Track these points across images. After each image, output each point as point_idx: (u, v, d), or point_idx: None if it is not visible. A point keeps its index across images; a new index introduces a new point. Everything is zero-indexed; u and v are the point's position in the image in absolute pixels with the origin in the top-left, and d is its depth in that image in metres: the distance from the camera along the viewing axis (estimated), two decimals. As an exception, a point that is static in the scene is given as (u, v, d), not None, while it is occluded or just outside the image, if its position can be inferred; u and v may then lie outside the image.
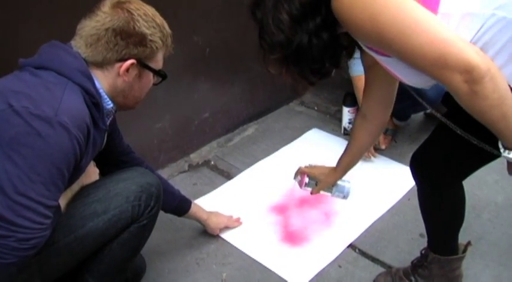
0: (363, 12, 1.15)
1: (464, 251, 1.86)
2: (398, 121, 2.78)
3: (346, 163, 1.92)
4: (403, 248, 2.18)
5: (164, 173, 2.62)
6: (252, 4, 1.32)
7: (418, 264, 1.93)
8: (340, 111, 3.05)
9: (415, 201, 2.41)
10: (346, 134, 2.90)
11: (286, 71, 1.36)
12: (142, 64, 1.44)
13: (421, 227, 2.26)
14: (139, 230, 1.58)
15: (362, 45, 1.34)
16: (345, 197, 2.06)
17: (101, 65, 1.40)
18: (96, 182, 1.61)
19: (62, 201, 1.45)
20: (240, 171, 2.67)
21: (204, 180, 2.62)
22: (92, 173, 1.62)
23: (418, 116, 3.01)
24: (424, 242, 2.18)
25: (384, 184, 2.52)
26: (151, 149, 2.56)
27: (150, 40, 1.41)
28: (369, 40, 1.22)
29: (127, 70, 1.41)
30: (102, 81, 1.41)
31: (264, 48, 1.33)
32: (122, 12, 1.37)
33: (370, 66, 1.60)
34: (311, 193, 2.04)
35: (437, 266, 1.87)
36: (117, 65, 1.40)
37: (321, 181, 2.00)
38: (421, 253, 1.93)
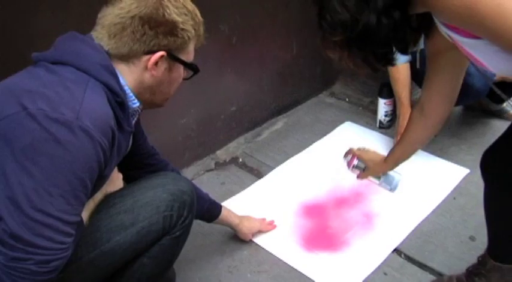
0: None
1: None
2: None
3: (396, 156, 1.78)
4: (452, 252, 2.00)
5: (190, 171, 2.47)
6: None
7: (474, 272, 1.76)
8: (374, 103, 2.86)
9: (462, 200, 2.26)
10: (382, 127, 2.71)
11: (348, 56, 1.21)
12: (173, 56, 1.27)
13: (470, 229, 2.10)
14: (171, 242, 1.42)
15: (440, 26, 1.16)
16: (391, 189, 1.93)
17: (127, 58, 1.23)
18: (121, 190, 1.45)
19: (85, 214, 1.28)
20: (270, 168, 2.49)
21: (232, 179, 2.45)
22: (116, 179, 1.46)
23: (457, 109, 2.80)
24: (474, 246, 2.03)
25: (427, 182, 2.32)
26: (175, 147, 2.39)
27: (182, 29, 1.25)
28: (456, 16, 1.03)
29: (156, 63, 1.24)
30: (127, 76, 1.25)
31: (324, 29, 1.17)
32: None
33: (435, 55, 1.43)
34: (357, 177, 1.94)
35: (498, 274, 1.69)
36: (145, 57, 1.23)
37: (369, 168, 1.89)
38: (478, 260, 1.76)
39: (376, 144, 2.59)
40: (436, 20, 1.21)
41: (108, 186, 1.40)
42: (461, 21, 1.04)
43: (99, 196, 1.38)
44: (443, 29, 1.17)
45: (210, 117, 2.50)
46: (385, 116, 2.67)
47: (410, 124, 1.67)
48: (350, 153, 1.95)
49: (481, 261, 1.74)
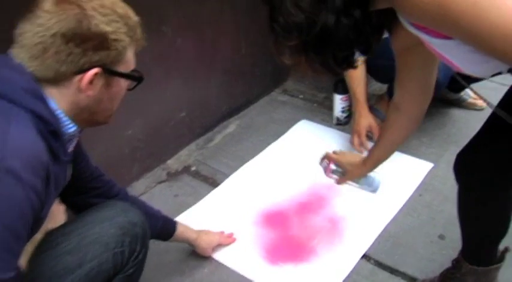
0: None
1: (502, 258, 1.62)
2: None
3: (376, 158, 1.69)
4: (423, 254, 1.92)
5: (140, 184, 2.30)
6: None
7: (449, 276, 1.69)
8: (329, 99, 2.76)
9: (428, 197, 2.19)
10: (339, 124, 2.61)
11: (306, 61, 1.08)
12: (109, 71, 1.11)
13: (439, 227, 2.03)
14: (124, 281, 1.26)
15: (406, 25, 1.04)
16: (373, 190, 1.86)
17: (55, 81, 1.06)
18: (65, 226, 1.28)
19: (23, 259, 1.11)
20: (226, 176, 2.35)
21: (186, 190, 2.29)
22: (57, 213, 1.28)
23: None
24: (445, 245, 1.95)
25: (391, 180, 2.22)
26: (123, 160, 2.22)
27: (114, 39, 1.08)
28: (425, 15, 0.91)
29: (90, 82, 1.07)
30: (59, 100, 1.07)
31: (277, 33, 1.04)
32: (70, 9, 1.03)
33: (403, 51, 1.33)
34: (337, 182, 1.86)
35: (473, 277, 1.63)
36: (76, 78, 1.07)
37: (348, 171, 1.80)
38: (452, 263, 1.68)
39: (335, 141, 2.50)
40: (401, 18, 1.09)
41: (48, 223, 1.23)
42: (432, 21, 0.92)
43: (38, 237, 1.20)
44: (409, 27, 1.06)
45: (158, 126, 2.33)
46: (342, 112, 2.57)
47: (387, 124, 1.58)
48: (326, 158, 1.85)
49: (456, 264, 1.67)
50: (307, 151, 2.44)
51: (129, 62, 1.16)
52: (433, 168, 2.29)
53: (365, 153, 2.30)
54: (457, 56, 1.04)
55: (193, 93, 2.45)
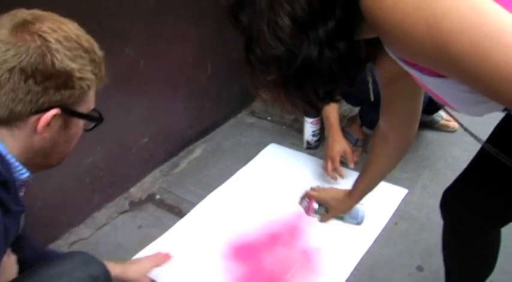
0: (416, 14, 0.75)
1: None
2: (369, 130, 2.43)
3: (362, 189, 1.63)
4: (401, 287, 1.84)
5: (101, 215, 2.16)
6: (233, 4, 0.90)
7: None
8: (298, 121, 2.68)
9: (404, 225, 2.11)
10: (310, 148, 2.52)
11: (285, 96, 0.96)
12: (69, 111, 0.99)
13: (417, 258, 1.94)
14: None
15: (394, 57, 0.94)
16: (359, 223, 1.81)
17: (8, 121, 0.93)
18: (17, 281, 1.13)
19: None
20: (192, 205, 2.22)
21: (150, 221, 2.15)
22: (8, 266, 1.13)
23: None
24: (423, 277, 1.88)
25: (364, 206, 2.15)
26: (83, 190, 2.08)
27: (80, 78, 0.97)
28: (422, 55, 0.80)
29: (47, 124, 0.95)
30: (10, 143, 0.95)
31: (254, 66, 0.92)
32: (31, 40, 0.91)
33: (389, 81, 1.25)
34: (320, 221, 1.80)
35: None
36: (33, 118, 0.94)
37: (332, 207, 1.74)
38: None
39: (305, 166, 2.41)
40: (388, 50, 1.00)
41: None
42: (428, 61, 0.82)
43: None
44: (398, 61, 0.97)
45: (119, 153, 2.19)
46: (313, 136, 2.48)
47: (373, 154, 1.52)
48: (306, 197, 1.77)
49: (439, 301, 1.58)
50: (278, 177, 2.34)
51: (90, 101, 1.05)
52: (407, 194, 2.22)
53: (339, 180, 2.25)
54: (451, 95, 0.95)
55: (157, 117, 2.32)
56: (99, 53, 1.03)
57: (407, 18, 0.76)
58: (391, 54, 0.98)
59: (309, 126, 2.45)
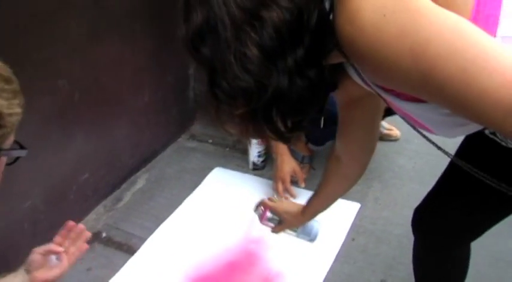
0: (399, 41, 0.72)
1: None
2: (315, 146, 2.41)
3: (315, 209, 1.60)
4: (368, 304, 1.81)
5: (43, 261, 1.99)
6: (193, 35, 0.83)
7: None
8: (241, 142, 2.63)
9: (361, 240, 2.10)
10: (256, 169, 2.47)
11: (254, 129, 0.91)
12: None
13: (379, 272, 1.93)
14: None
15: (359, 80, 0.91)
16: (312, 240, 1.79)
17: None
18: None
19: None
20: (142, 240, 2.10)
21: (99, 262, 2.02)
22: None
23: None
24: (387, 291, 1.86)
25: (321, 226, 2.11)
26: (23, 236, 1.92)
27: (9, 114, 0.90)
28: (403, 80, 0.77)
29: None
30: None
31: (219, 99, 0.86)
32: None
33: (348, 104, 1.21)
34: (272, 231, 1.77)
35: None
36: None
37: (284, 220, 1.70)
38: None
39: (254, 188, 2.36)
40: (352, 72, 0.97)
41: None
42: (410, 88, 0.79)
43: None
44: (363, 85, 0.93)
45: (59, 192, 2.05)
46: (259, 156, 2.43)
47: (328, 175, 1.48)
48: (261, 205, 1.75)
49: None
50: (227, 202, 2.27)
51: (12, 136, 0.98)
52: (360, 208, 2.21)
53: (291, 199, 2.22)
54: (430, 119, 0.92)
55: (96, 150, 2.19)
56: (17, 82, 0.95)
57: (390, 46, 0.73)
58: (355, 79, 0.95)
59: (255, 147, 2.40)
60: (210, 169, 2.49)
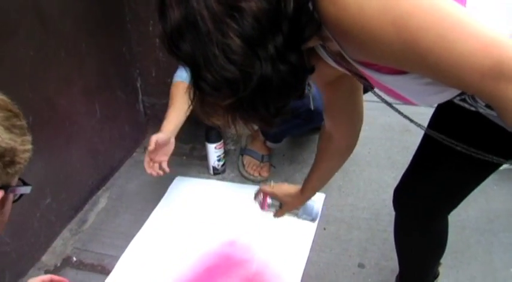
0: (382, 16, 0.77)
1: (438, 273, 1.68)
2: (273, 144, 2.45)
3: (313, 185, 1.60)
4: (350, 288, 1.86)
5: (16, 295, 1.92)
6: (171, 32, 0.84)
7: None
8: (196, 148, 2.65)
9: (332, 229, 2.15)
10: (217, 173, 2.47)
11: (241, 118, 0.94)
12: (8, 188, 0.91)
13: (355, 257, 1.99)
14: None
15: (354, 63, 0.95)
16: (313, 219, 1.78)
17: None
18: None
19: None
20: (115, 258, 2.06)
21: (75, 287, 1.97)
22: None
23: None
24: (367, 273, 1.94)
25: (290, 219, 2.14)
26: (-10, 271, 1.84)
27: (23, 151, 0.89)
28: (387, 53, 0.82)
29: None
30: None
31: (205, 92, 0.88)
32: None
33: (327, 86, 1.26)
34: (274, 215, 1.77)
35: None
36: None
37: (285, 203, 1.70)
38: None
39: (218, 192, 2.37)
40: (326, 54, 1.01)
41: None
42: (394, 59, 0.83)
43: None
44: (356, 65, 0.97)
45: (23, 221, 1.97)
46: (218, 160, 2.43)
47: (322, 153, 1.50)
48: (260, 193, 1.74)
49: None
50: (194, 209, 2.27)
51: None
52: (325, 198, 2.26)
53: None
54: (410, 89, 0.97)
55: (55, 173, 2.12)
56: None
57: (374, 22, 0.78)
58: (328, 61, 1.00)
59: (213, 152, 2.41)
60: (171, 179, 2.47)
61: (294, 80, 0.89)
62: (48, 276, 1.40)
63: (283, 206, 1.71)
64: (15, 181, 0.94)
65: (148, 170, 2.10)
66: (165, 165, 2.11)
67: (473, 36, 0.75)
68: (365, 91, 1.31)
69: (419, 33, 0.76)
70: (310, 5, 0.83)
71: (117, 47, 2.42)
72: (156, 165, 2.11)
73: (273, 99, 0.91)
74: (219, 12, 0.79)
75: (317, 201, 1.75)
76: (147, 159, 2.09)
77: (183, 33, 0.82)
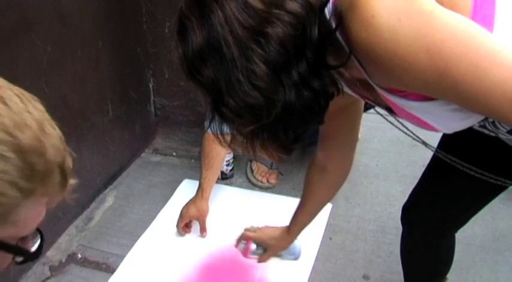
0: (415, 43, 0.77)
1: None
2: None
3: (302, 223, 1.60)
4: (353, 299, 1.86)
5: (20, 289, 1.93)
6: (193, 58, 0.82)
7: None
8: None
9: (339, 239, 2.15)
10: (225, 178, 2.48)
11: (262, 146, 0.91)
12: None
13: (360, 268, 1.99)
14: None
15: (380, 90, 0.94)
16: (296, 258, 1.79)
17: None
18: None
19: None
20: (120, 257, 2.07)
21: (78, 284, 1.97)
22: None
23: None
24: (371, 284, 1.92)
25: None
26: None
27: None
28: (419, 80, 0.81)
29: None
30: None
31: (226, 119, 0.87)
32: None
33: (334, 112, 1.23)
34: (259, 261, 1.78)
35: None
36: None
37: (271, 246, 1.69)
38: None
39: (225, 197, 2.36)
40: (337, 78, 1.00)
41: None
42: (425, 86, 0.83)
43: None
44: (382, 92, 0.96)
45: (31, 215, 1.98)
46: (227, 165, 2.44)
47: (311, 187, 1.49)
48: (243, 239, 1.72)
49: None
50: (202, 212, 2.27)
51: (21, 225, 0.70)
52: (332, 208, 2.26)
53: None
54: (436, 116, 0.95)
55: (64, 170, 2.13)
56: (52, 140, 0.70)
57: (407, 48, 0.77)
58: (343, 84, 0.99)
59: (223, 156, 2.41)
60: (178, 182, 2.48)
61: (317, 106, 0.88)
62: None
63: (268, 250, 1.70)
64: (11, 231, 0.70)
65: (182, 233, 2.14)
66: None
67: (505, 64, 0.75)
68: (366, 109, 1.30)
69: (452, 61, 0.76)
70: (338, 33, 0.83)
71: (132, 47, 2.43)
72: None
73: (294, 126, 0.89)
74: (244, 38, 0.79)
75: (298, 238, 1.73)
76: (181, 225, 2.13)
77: (206, 58, 0.81)
